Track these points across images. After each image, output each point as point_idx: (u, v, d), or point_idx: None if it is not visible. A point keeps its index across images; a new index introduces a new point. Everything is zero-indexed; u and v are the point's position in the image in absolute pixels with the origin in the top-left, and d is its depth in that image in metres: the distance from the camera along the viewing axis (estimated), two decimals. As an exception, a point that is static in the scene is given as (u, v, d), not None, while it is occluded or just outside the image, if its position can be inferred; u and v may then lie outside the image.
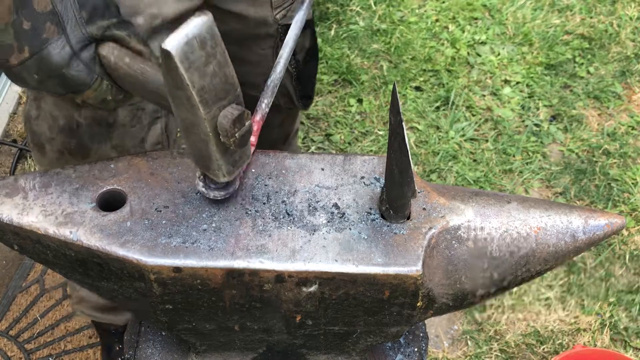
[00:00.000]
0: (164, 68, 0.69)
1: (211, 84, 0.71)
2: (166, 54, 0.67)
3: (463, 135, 2.41)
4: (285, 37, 1.26)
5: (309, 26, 1.29)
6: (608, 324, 1.95)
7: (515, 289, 2.00)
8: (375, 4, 2.86)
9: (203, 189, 0.82)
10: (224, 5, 1.19)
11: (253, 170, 0.88)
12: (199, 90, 0.70)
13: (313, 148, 2.35)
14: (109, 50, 0.79)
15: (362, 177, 0.88)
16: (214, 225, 0.82)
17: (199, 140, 0.74)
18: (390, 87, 2.55)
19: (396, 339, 0.95)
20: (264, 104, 0.93)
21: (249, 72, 1.16)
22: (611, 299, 2.00)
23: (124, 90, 0.83)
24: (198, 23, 0.69)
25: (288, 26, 1.25)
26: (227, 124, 0.73)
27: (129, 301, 0.87)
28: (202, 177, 0.82)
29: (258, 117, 0.91)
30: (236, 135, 0.73)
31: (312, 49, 1.34)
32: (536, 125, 2.46)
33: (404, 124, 0.75)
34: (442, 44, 2.73)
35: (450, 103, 2.50)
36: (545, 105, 2.53)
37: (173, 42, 0.67)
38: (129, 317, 1.07)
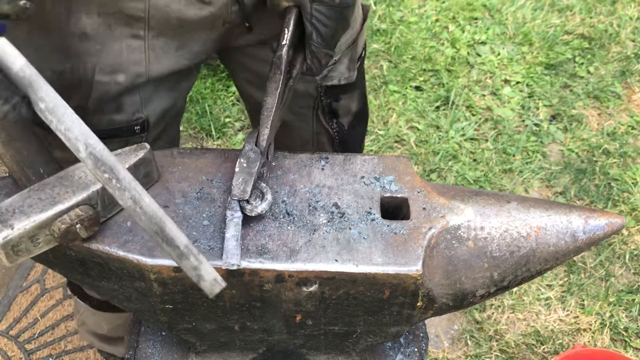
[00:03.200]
0: None
1: None
2: None
3: (463, 135, 2.41)
4: (326, 99, 1.20)
5: (357, 87, 1.23)
6: (608, 324, 1.95)
7: (515, 289, 2.00)
8: (375, 3, 2.86)
9: (248, 209, 0.82)
10: (253, 52, 1.14)
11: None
12: None
13: (313, 148, 2.35)
14: None
15: (362, 177, 0.88)
16: (213, 225, 0.82)
17: None
18: (391, 87, 2.55)
19: (396, 339, 0.95)
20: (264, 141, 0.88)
21: (284, 134, 1.09)
22: (611, 299, 1.99)
23: None
24: None
25: (330, 87, 1.19)
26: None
27: (129, 301, 0.87)
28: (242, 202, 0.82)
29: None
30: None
31: (360, 113, 1.26)
32: (536, 125, 2.47)
33: None
34: (442, 44, 2.73)
35: (450, 103, 2.50)
36: (545, 105, 2.53)
37: None
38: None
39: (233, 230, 0.78)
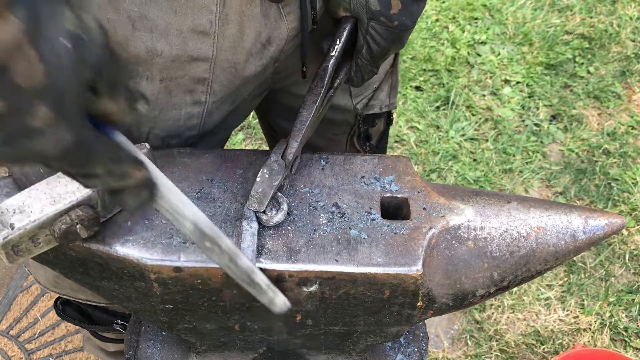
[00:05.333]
0: None
1: None
2: None
3: (463, 135, 2.41)
4: (363, 126, 1.16)
5: (388, 110, 1.21)
6: (608, 324, 1.95)
7: (515, 289, 2.00)
8: (375, 3, 2.85)
9: (264, 220, 0.81)
10: (295, 91, 1.11)
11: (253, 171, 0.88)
12: None
13: (313, 148, 2.35)
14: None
15: (362, 177, 0.88)
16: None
17: None
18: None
19: (396, 339, 0.95)
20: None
21: None
22: (611, 299, 2.00)
23: None
24: None
25: (369, 116, 1.17)
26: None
27: (129, 301, 0.87)
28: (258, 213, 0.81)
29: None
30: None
31: (385, 131, 1.25)
32: (536, 125, 2.47)
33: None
34: (442, 44, 2.73)
35: (450, 103, 2.50)
36: (545, 105, 2.53)
37: None
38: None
39: (249, 241, 0.78)
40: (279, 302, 0.71)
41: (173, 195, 0.57)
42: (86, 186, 0.52)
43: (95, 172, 0.49)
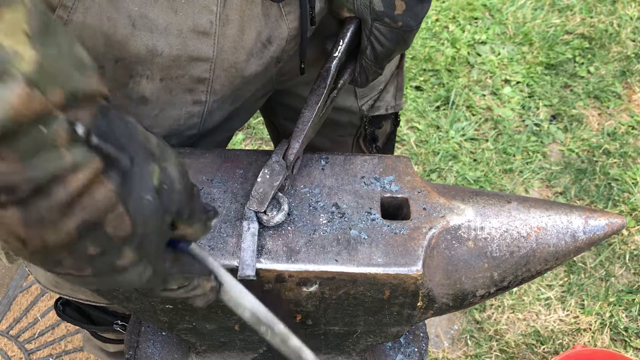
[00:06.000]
0: None
1: None
2: None
3: (463, 135, 2.41)
4: (369, 128, 1.15)
5: (394, 112, 1.20)
6: (608, 324, 1.95)
7: (515, 289, 2.00)
8: (375, 3, 2.85)
9: (265, 220, 0.81)
10: (300, 92, 1.10)
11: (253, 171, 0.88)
12: None
13: (313, 148, 2.35)
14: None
15: (362, 177, 0.88)
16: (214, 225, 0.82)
17: None
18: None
19: (396, 339, 0.95)
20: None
21: None
22: (611, 299, 2.00)
23: None
24: None
25: (375, 117, 1.16)
26: None
27: (129, 301, 0.87)
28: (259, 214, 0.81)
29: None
30: None
31: (392, 133, 1.24)
32: (536, 125, 2.47)
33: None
34: (442, 44, 2.73)
35: (450, 103, 2.50)
36: (545, 105, 2.53)
37: None
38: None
39: (249, 241, 0.78)
40: None
41: (235, 291, 0.66)
42: (161, 297, 0.59)
43: (171, 289, 0.57)
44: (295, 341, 0.75)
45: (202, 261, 0.61)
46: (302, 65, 0.96)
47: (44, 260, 0.48)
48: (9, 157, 0.41)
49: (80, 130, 0.44)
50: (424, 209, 0.85)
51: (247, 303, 0.69)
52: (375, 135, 1.20)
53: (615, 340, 1.94)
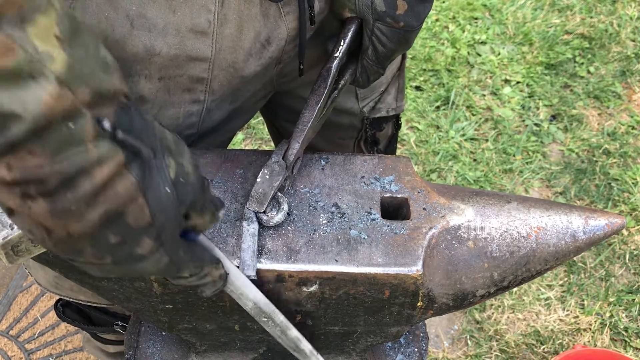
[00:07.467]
0: None
1: None
2: None
3: (463, 135, 2.41)
4: (370, 130, 1.15)
5: (395, 114, 1.20)
6: (608, 324, 1.95)
7: (515, 289, 2.00)
8: (375, 3, 2.85)
9: (264, 220, 0.82)
10: (301, 93, 1.10)
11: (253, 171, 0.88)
12: None
13: (313, 148, 2.35)
14: None
15: (362, 177, 0.88)
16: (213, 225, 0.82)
17: None
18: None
19: (396, 339, 0.95)
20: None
21: None
22: (611, 299, 2.00)
23: None
24: None
25: (376, 119, 1.16)
26: None
27: (129, 301, 0.87)
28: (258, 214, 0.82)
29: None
30: None
31: (394, 136, 1.24)
32: (536, 125, 2.47)
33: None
34: (442, 44, 2.73)
35: (450, 103, 2.50)
36: (545, 105, 2.53)
37: None
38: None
39: (249, 241, 0.79)
40: None
41: (239, 281, 0.69)
42: (173, 284, 0.63)
43: (183, 276, 0.60)
44: (294, 332, 0.77)
45: (210, 251, 0.64)
46: (301, 67, 0.96)
47: (66, 250, 0.50)
48: (39, 152, 0.44)
49: (106, 125, 0.46)
50: (424, 209, 0.85)
51: (250, 293, 0.71)
52: (377, 138, 1.19)
53: (615, 340, 1.94)
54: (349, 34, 0.89)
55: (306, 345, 0.79)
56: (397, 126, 1.23)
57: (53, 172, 0.44)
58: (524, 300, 1.99)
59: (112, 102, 0.47)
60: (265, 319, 0.74)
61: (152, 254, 0.53)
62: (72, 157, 0.45)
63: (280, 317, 0.75)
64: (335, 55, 0.89)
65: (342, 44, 0.89)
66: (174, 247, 0.56)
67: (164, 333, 1.05)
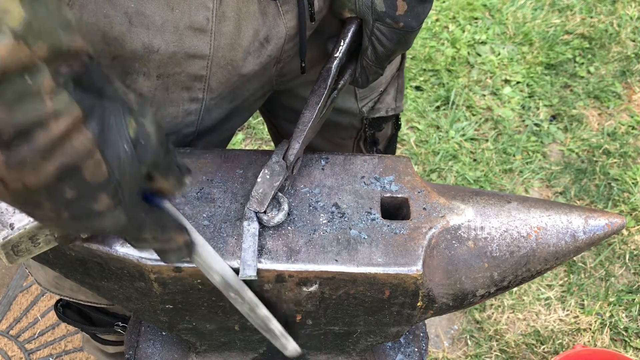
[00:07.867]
0: None
1: None
2: None
3: (463, 135, 2.41)
4: (369, 130, 1.15)
5: (395, 114, 1.20)
6: (608, 324, 1.95)
7: (515, 289, 2.00)
8: (375, 3, 2.85)
9: (265, 220, 0.82)
10: (301, 93, 1.10)
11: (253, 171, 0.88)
12: None
13: (313, 148, 2.35)
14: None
15: (362, 177, 0.88)
16: (213, 225, 0.82)
17: None
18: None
19: (396, 339, 0.95)
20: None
21: None
22: (611, 299, 2.00)
23: None
24: None
25: (375, 119, 1.16)
26: None
27: (129, 301, 0.87)
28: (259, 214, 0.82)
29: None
30: None
31: (393, 136, 1.24)
32: (536, 125, 2.47)
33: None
34: (442, 44, 2.73)
35: (450, 103, 2.50)
36: (545, 105, 2.53)
37: None
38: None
39: (250, 241, 0.78)
40: (291, 348, 0.80)
41: (206, 253, 0.68)
42: (136, 248, 0.62)
43: (145, 239, 0.60)
44: (263, 310, 0.76)
45: (176, 218, 0.64)
46: (303, 64, 0.96)
47: (23, 203, 0.51)
48: None
49: (62, 80, 0.47)
50: (424, 208, 0.85)
51: (217, 266, 0.70)
52: (376, 138, 1.19)
53: (615, 340, 1.94)
54: (349, 34, 0.89)
55: (276, 326, 0.78)
56: (397, 126, 1.23)
57: (8, 123, 0.45)
58: (524, 300, 1.99)
59: (72, 59, 0.48)
60: (234, 295, 0.73)
61: (109, 211, 0.53)
62: (29, 110, 0.45)
63: (248, 294, 0.74)
64: (335, 55, 0.89)
65: (342, 44, 0.89)
66: (133, 207, 0.56)
67: (164, 333, 1.05)
